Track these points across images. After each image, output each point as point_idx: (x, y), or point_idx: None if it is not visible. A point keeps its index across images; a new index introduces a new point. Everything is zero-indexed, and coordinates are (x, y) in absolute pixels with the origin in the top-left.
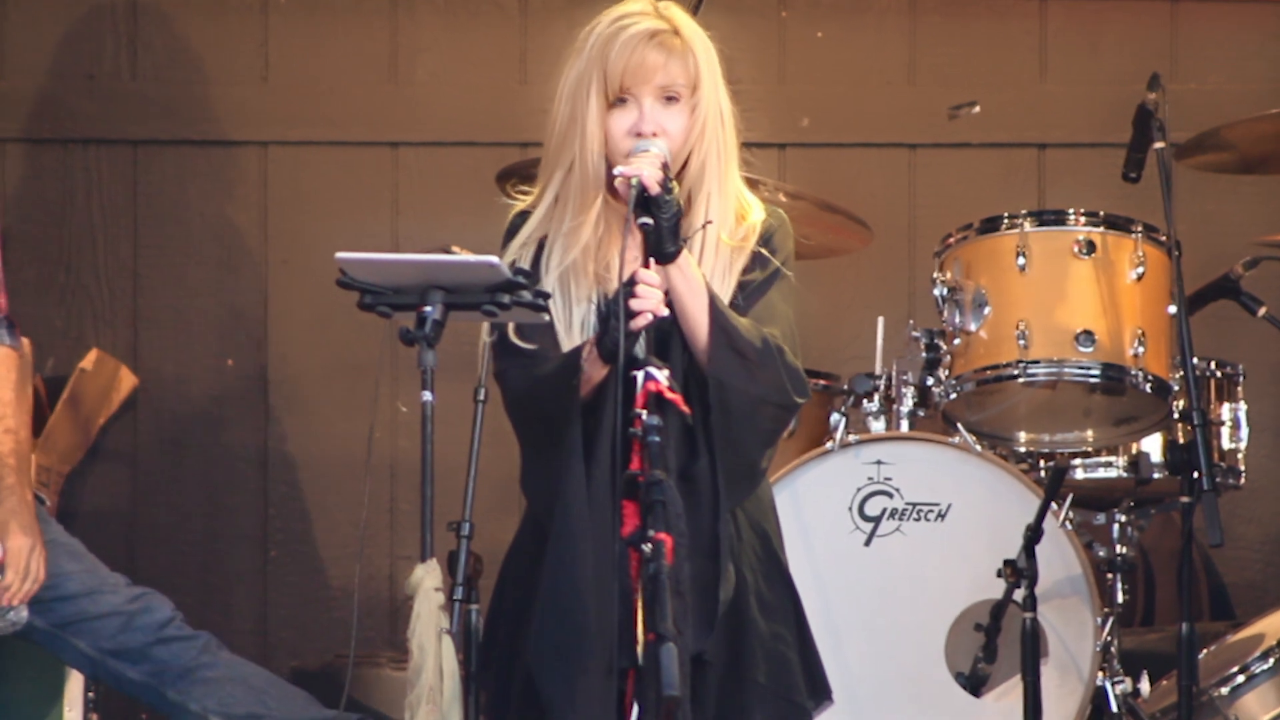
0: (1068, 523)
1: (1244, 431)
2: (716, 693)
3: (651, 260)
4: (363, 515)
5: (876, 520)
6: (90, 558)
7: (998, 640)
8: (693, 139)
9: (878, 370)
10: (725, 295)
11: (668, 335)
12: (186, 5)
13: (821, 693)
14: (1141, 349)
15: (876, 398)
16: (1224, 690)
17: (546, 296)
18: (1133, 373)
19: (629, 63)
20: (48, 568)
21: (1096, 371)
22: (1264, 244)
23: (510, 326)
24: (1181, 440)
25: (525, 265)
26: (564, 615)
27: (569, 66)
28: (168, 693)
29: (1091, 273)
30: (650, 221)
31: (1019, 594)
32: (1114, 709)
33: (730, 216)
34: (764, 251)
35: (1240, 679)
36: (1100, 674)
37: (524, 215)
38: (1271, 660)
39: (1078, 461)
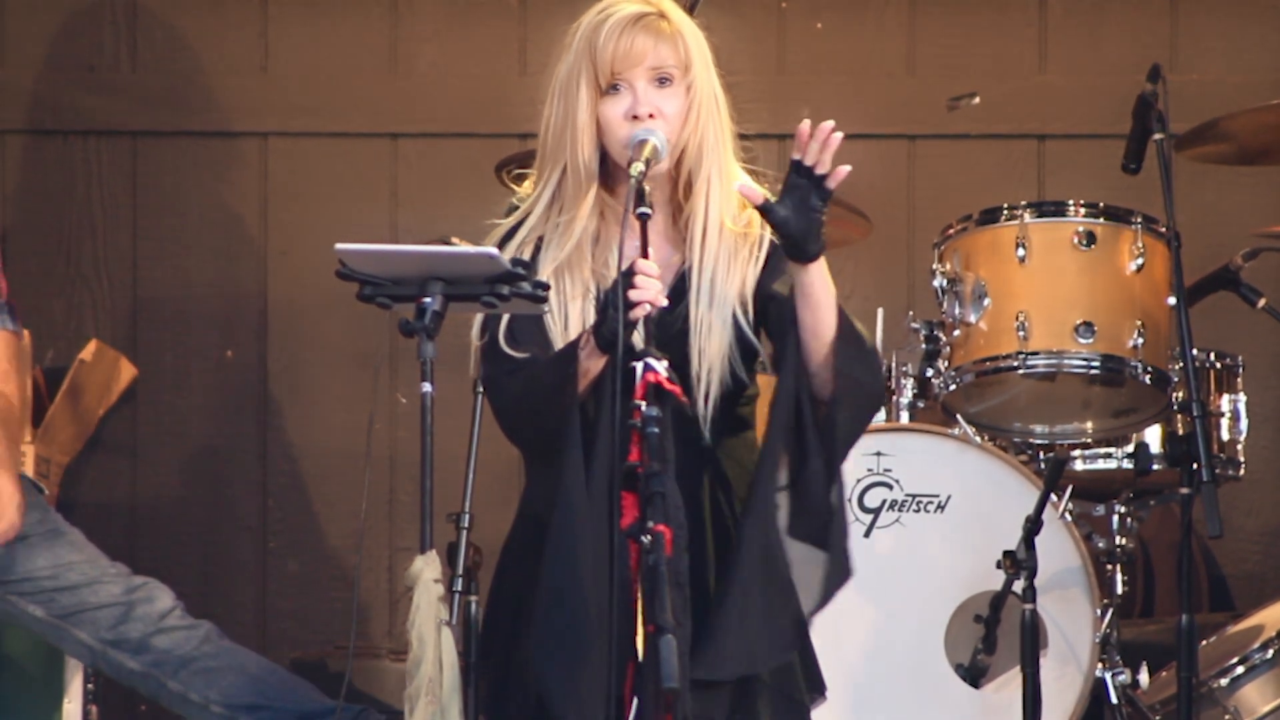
0: (1067, 514)
1: (1243, 423)
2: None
3: (650, 251)
4: (362, 506)
5: (876, 512)
6: (90, 548)
7: (997, 631)
8: (690, 122)
9: None
10: (733, 282)
11: (680, 334)
12: None
13: (817, 688)
14: (1141, 340)
15: None
16: (1223, 681)
17: (546, 287)
18: (1132, 364)
19: (617, 47)
20: (48, 558)
21: (1096, 363)
22: (1263, 235)
23: (501, 332)
24: (1181, 432)
25: None
26: (565, 607)
27: (559, 64)
28: (168, 683)
29: (1091, 264)
30: (649, 211)
31: (1018, 585)
32: (1113, 700)
33: (732, 202)
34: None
35: (1240, 670)
36: (1099, 665)
37: (516, 207)
38: (1271, 651)
39: (1077, 453)
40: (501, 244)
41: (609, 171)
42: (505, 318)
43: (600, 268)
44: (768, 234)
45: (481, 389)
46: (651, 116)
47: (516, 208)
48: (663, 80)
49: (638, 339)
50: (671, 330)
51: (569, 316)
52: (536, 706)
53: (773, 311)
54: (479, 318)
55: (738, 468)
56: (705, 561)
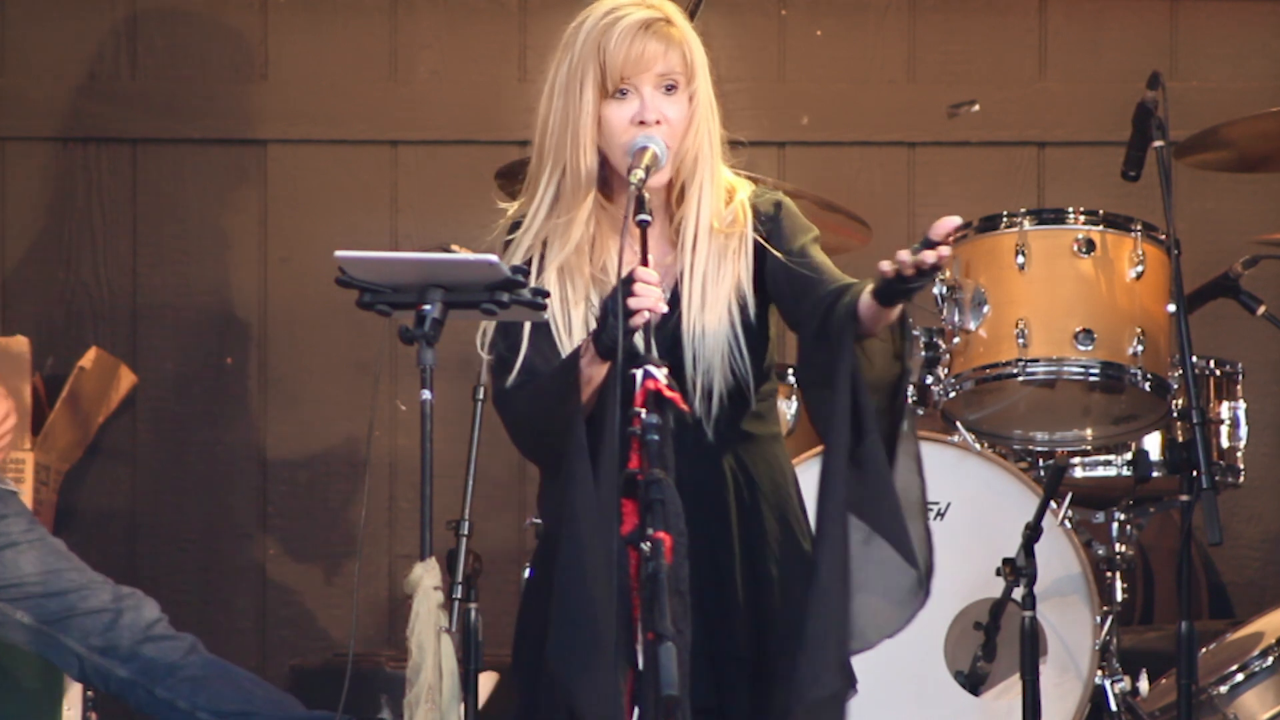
0: (1067, 521)
1: (1243, 430)
2: (747, 688)
3: (650, 258)
4: (362, 514)
5: None
6: (76, 557)
7: (997, 639)
8: (691, 129)
9: None
10: (724, 282)
11: (677, 336)
12: (187, 4)
13: (848, 682)
14: (1140, 347)
15: None
16: (1223, 689)
17: (545, 294)
18: (1132, 371)
19: (628, 53)
20: (37, 564)
21: (1096, 370)
22: (1263, 243)
23: (513, 347)
24: (1181, 439)
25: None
26: (578, 614)
27: (556, 63)
28: (156, 690)
29: (1091, 271)
30: (649, 218)
31: (1018, 592)
32: (1113, 707)
33: (721, 204)
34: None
35: (1239, 677)
36: (1099, 672)
37: (519, 224)
38: (1271, 658)
39: (1077, 460)
40: (507, 245)
41: (605, 175)
42: (526, 338)
43: (598, 272)
44: (750, 230)
45: (481, 396)
46: (658, 123)
47: (518, 224)
48: (669, 87)
49: (639, 343)
50: (670, 334)
51: (572, 320)
52: (566, 717)
53: (788, 284)
54: (484, 330)
55: (763, 463)
56: (731, 557)
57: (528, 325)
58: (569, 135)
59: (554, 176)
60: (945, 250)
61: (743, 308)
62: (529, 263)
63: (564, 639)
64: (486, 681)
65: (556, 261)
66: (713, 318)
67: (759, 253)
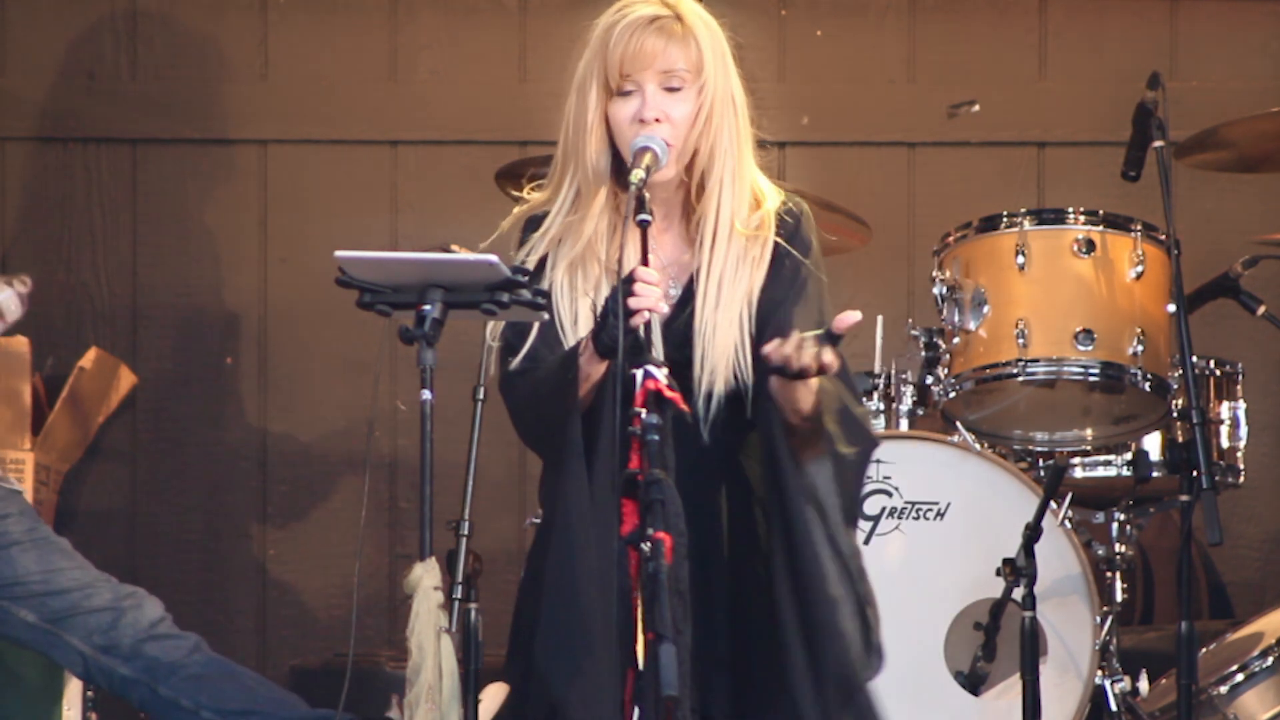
0: (1067, 521)
1: (1243, 430)
2: (728, 690)
3: (651, 258)
4: (362, 514)
5: (876, 519)
6: (79, 556)
7: (997, 639)
8: (699, 125)
9: (877, 369)
10: (742, 285)
11: (687, 334)
12: (186, 4)
13: (876, 659)
14: (1140, 347)
15: (876, 396)
16: (1223, 689)
17: (545, 295)
18: (1132, 371)
19: (627, 49)
20: (40, 563)
21: (1096, 370)
22: (1263, 242)
23: (512, 335)
24: (1181, 439)
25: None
26: (567, 612)
27: (580, 61)
28: (159, 689)
29: (1091, 271)
30: (649, 218)
31: (1018, 592)
32: (1113, 708)
33: (744, 206)
34: (793, 253)
35: (1239, 677)
36: (1099, 672)
37: (535, 220)
38: (1270, 659)
39: (1077, 460)
40: (526, 235)
41: (623, 170)
42: (535, 325)
43: (613, 265)
44: (773, 236)
45: (482, 396)
46: (658, 121)
47: (533, 218)
48: (673, 83)
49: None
50: (679, 331)
51: (579, 313)
52: (550, 710)
53: (770, 323)
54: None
55: (760, 467)
56: (719, 558)
57: None
58: (580, 134)
59: (575, 176)
60: (830, 359)
61: (752, 318)
62: (544, 259)
63: (553, 640)
64: (498, 694)
65: (568, 257)
66: (725, 319)
67: (772, 263)
